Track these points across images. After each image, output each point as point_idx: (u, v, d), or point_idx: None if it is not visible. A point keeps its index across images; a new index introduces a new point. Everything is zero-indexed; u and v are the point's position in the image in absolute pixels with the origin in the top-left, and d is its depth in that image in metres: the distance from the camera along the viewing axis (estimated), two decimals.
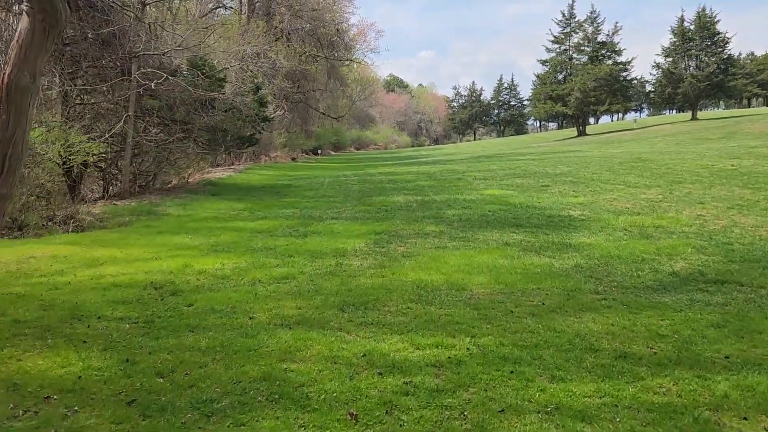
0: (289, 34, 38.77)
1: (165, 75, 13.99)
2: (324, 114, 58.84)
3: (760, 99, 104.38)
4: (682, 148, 31.90)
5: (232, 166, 32.30)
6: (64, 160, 12.06)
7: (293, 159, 46.69)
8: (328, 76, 54.65)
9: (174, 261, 7.63)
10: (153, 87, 15.29)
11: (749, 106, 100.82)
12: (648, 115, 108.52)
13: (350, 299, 5.95)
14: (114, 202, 14.74)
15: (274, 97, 40.87)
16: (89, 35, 15.32)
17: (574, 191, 16.88)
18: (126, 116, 14.67)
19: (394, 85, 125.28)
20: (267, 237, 9.93)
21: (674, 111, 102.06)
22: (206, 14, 32.14)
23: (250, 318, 5.28)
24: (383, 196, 16.85)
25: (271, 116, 38.50)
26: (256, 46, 26.10)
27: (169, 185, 18.94)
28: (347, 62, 55.76)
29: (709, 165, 21.01)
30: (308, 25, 43.86)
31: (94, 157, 16.50)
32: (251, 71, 25.95)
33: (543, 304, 5.84)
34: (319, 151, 59.03)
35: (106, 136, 14.13)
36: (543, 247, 8.95)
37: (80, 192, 15.79)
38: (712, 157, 23.97)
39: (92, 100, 15.72)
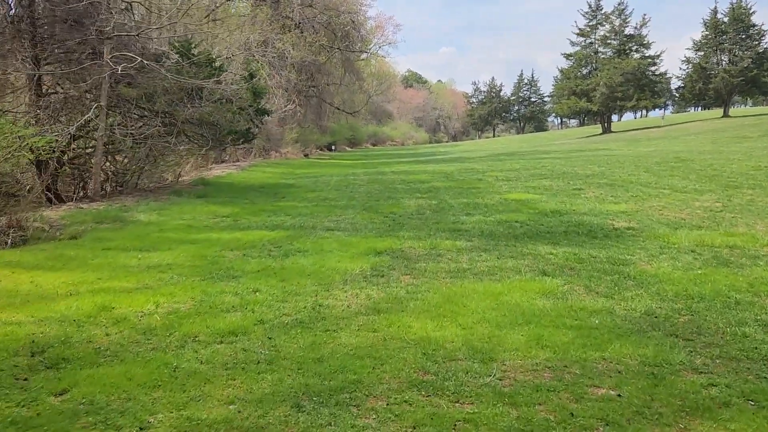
0: (299, 24, 36.74)
1: (139, 59, 12.01)
2: (339, 109, 56.91)
3: None
4: (721, 146, 29.37)
5: (237, 163, 30.44)
6: (7, 156, 10.13)
7: (306, 155, 44.84)
8: (344, 70, 52.68)
9: (93, 299, 5.61)
10: (129, 73, 13.32)
11: None
12: (672, 112, 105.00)
13: (317, 382, 3.85)
14: (81, 205, 12.81)
15: (285, 91, 39.01)
16: (57, 14, 13.41)
17: (612, 196, 14.64)
18: (97, 106, 12.71)
19: (413, 80, 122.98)
20: (238, 257, 7.87)
21: (700, 108, 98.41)
22: (219, 5, 30.27)
23: (141, 429, 3.21)
24: (393, 200, 14.74)
25: (283, 110, 36.58)
26: (260, 33, 24.12)
27: (160, 184, 17.03)
28: (362, 54, 53.64)
29: (762, 166, 18.59)
30: (321, 16, 41.78)
31: (68, 152, 14.62)
32: (254, 58, 23.97)
33: (618, 395, 3.70)
34: (333, 147, 57.10)
35: (71, 128, 12.18)
36: (593, 278, 6.78)
37: (42, 193, 13.90)
38: (761, 157, 21.49)
39: (58, 88, 13.82)
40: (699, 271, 7.00)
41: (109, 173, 14.88)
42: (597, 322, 5.15)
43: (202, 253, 7.96)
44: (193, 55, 13.77)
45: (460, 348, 4.51)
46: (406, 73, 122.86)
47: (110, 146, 13.88)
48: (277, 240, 9.12)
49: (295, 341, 4.60)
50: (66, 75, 12.97)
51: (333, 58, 47.87)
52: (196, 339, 4.64)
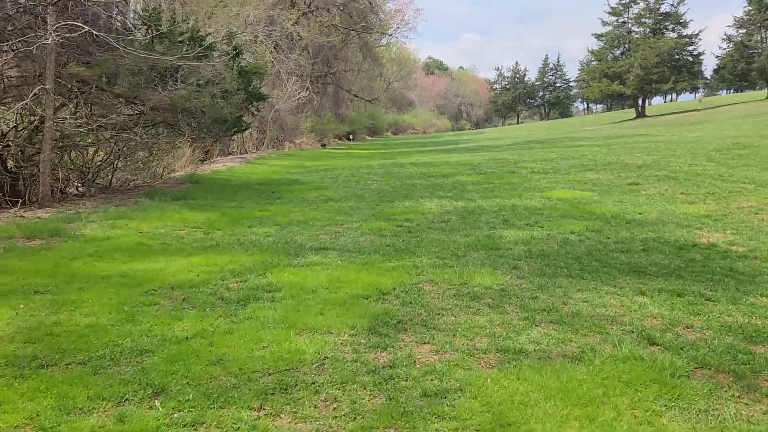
0: (310, 4, 33.96)
1: (85, 28, 9.47)
2: (357, 96, 54.29)
3: None
4: None
5: (244, 155, 28.05)
6: None
7: (323, 145, 42.42)
8: (362, 56, 50.02)
9: None
10: (87, 50, 10.84)
11: None
12: (704, 96, 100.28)
13: None
14: (25, 213, 10.35)
15: (300, 77, 36.46)
16: None
17: (683, 193, 11.79)
18: (40, 89, 10.20)
19: (434, 67, 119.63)
20: (174, 305, 5.26)
21: (732, 91, 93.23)
22: None
23: None
24: (410, 201, 12.05)
25: (296, 97, 33.95)
26: (264, 10, 21.47)
27: (144, 183, 14.57)
28: (382, 38, 50.79)
29: None
30: None
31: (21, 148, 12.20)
32: (258, 39, 21.33)
33: None
34: (351, 137, 54.49)
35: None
36: (737, 354, 4.03)
37: None
38: None
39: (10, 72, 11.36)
40: None
41: (69, 172, 12.39)
42: None
43: (123, 299, 5.36)
44: (161, 24, 11.17)
45: None
46: (428, 60, 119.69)
47: (66, 140, 11.40)
48: (244, 269, 6.49)
49: None
50: (5, 52, 10.46)
51: (350, 42, 45.15)
52: None
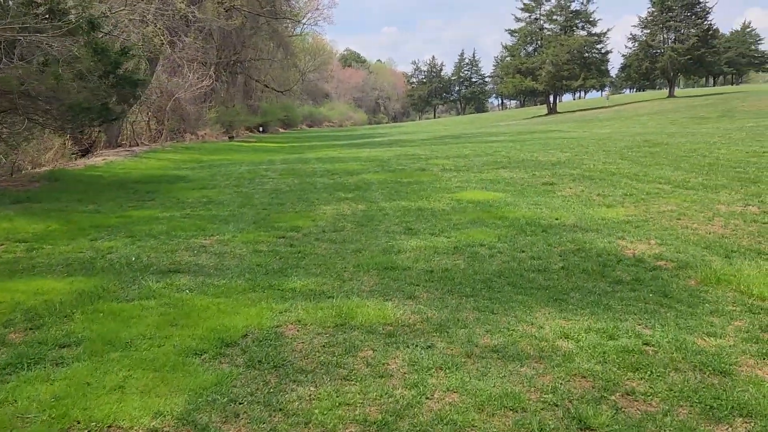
0: None
1: None
2: (267, 86, 51.90)
3: (724, 78, 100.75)
4: (685, 128, 26.59)
5: (133, 148, 25.38)
6: None
7: (230, 138, 39.88)
8: (273, 45, 47.74)
9: None
10: None
11: (714, 84, 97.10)
12: (609, 93, 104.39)
13: None
14: None
15: (203, 65, 34.03)
16: None
17: (599, 195, 10.93)
18: None
19: (352, 59, 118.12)
20: None
21: (635, 90, 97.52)
22: None
23: None
24: (303, 204, 10.52)
25: (197, 86, 31.48)
26: None
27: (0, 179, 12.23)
28: (291, 24, 48.75)
29: (759, 152, 15.38)
30: None
31: None
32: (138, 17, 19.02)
33: None
34: (262, 129, 51.98)
35: None
36: None
37: None
38: (746, 140, 18.42)
39: None
40: None
41: None
42: None
43: None
44: None
45: None
46: (345, 53, 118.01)
47: None
48: (47, 307, 4.76)
49: None
50: None
51: (260, 30, 42.81)
52: None
